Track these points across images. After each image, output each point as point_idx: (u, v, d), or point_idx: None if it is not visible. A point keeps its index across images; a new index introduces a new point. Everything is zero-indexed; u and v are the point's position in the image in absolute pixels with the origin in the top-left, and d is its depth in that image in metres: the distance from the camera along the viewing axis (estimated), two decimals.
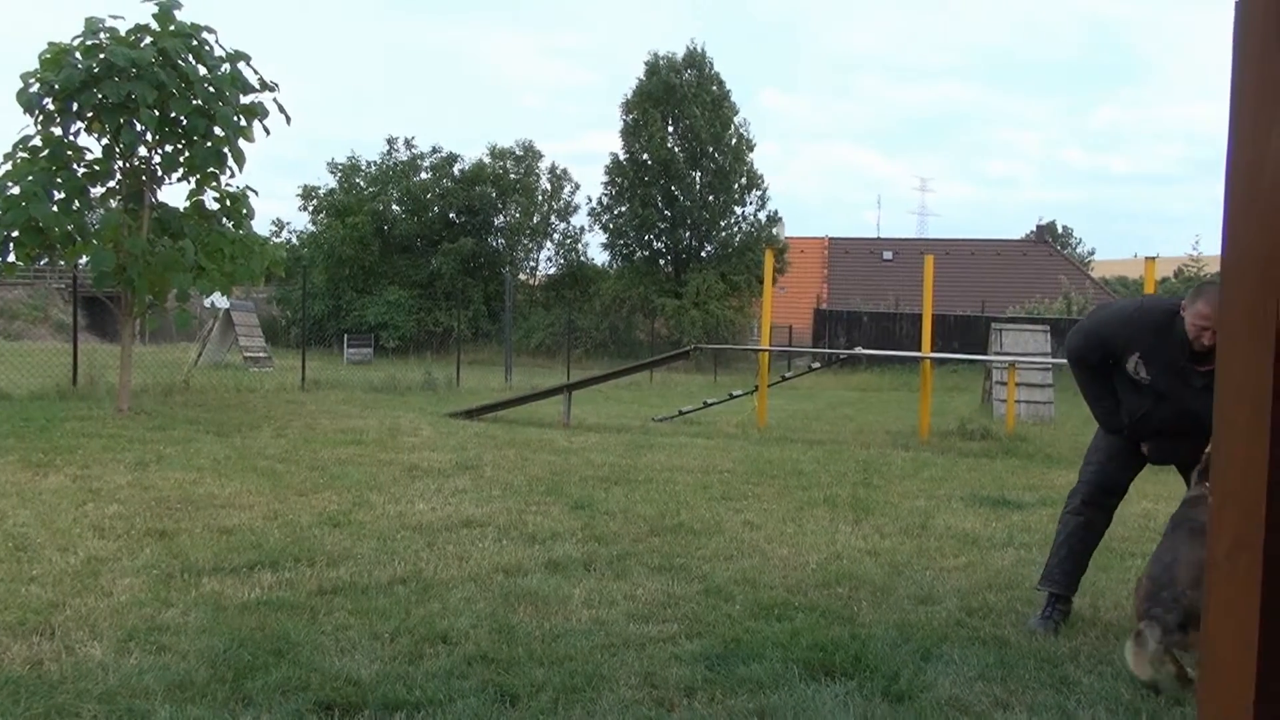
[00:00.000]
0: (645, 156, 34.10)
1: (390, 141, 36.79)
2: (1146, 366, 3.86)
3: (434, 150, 36.70)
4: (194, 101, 10.43)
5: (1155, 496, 6.80)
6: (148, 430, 9.22)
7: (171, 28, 10.43)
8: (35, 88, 10.07)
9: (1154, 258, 11.51)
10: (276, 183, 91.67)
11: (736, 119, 34.64)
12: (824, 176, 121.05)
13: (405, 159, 36.58)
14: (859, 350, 19.20)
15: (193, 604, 3.88)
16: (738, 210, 34.83)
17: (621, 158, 34.80)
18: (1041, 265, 42.38)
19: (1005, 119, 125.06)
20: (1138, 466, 4.14)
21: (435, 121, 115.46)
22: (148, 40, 10.33)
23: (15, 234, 10.05)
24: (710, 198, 34.18)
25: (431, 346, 31.30)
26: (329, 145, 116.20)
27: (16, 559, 4.47)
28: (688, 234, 34.75)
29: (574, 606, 4.02)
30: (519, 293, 34.86)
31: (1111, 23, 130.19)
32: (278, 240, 32.93)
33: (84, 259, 11.15)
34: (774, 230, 35.28)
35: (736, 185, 34.40)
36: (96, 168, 10.63)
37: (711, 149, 33.97)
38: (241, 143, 10.78)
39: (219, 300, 20.90)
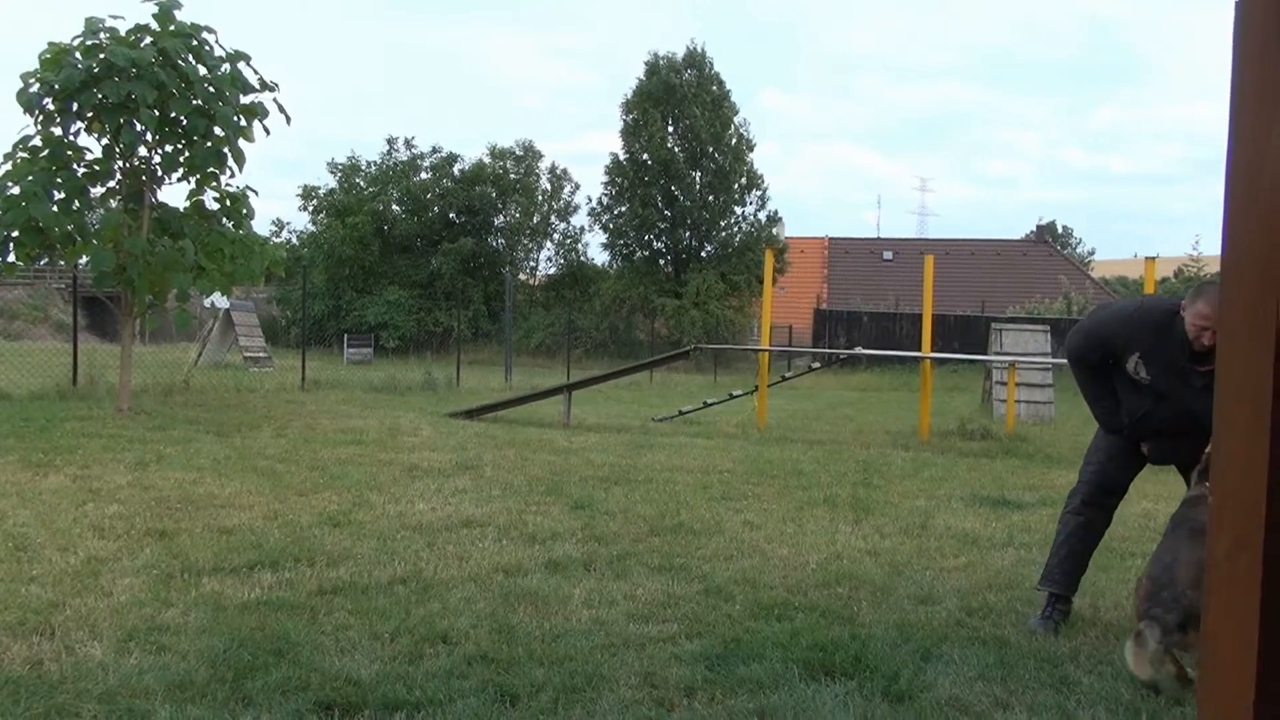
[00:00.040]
0: (645, 156, 34.11)
1: (390, 141, 36.86)
2: (1146, 366, 3.86)
3: (434, 150, 36.76)
4: (194, 101, 10.43)
5: (1155, 497, 6.80)
6: (148, 430, 9.22)
7: (171, 28, 10.43)
8: (35, 88, 10.08)
9: (1154, 258, 11.51)
10: (276, 183, 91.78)
11: (736, 119, 34.67)
12: (824, 176, 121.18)
13: (405, 159, 36.62)
14: (859, 350, 19.20)
15: (193, 604, 3.88)
16: (738, 210, 34.85)
17: (621, 158, 34.81)
18: (1041, 265, 42.38)
19: (1005, 119, 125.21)
20: (1138, 466, 4.14)
21: (435, 121, 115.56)
22: (148, 40, 10.34)
23: (15, 234, 10.05)
24: (710, 198, 34.19)
25: (431, 346, 31.31)
26: (329, 145, 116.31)
27: (16, 559, 4.47)
28: (688, 234, 34.75)
29: (574, 606, 4.02)
30: (519, 293, 34.86)
31: (1111, 22, 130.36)
32: (278, 240, 32.93)
33: (84, 259, 11.15)
34: (774, 230, 35.28)
35: (736, 185, 34.40)
36: (96, 168, 10.63)
37: (711, 149, 33.97)
38: (241, 143, 10.78)
39: (219, 300, 20.90)
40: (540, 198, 37.67)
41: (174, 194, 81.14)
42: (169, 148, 10.67)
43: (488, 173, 36.08)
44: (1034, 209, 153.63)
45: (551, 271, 38.77)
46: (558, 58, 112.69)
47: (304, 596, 4.03)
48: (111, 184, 10.84)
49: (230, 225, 11.22)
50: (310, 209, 36.39)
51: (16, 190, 9.93)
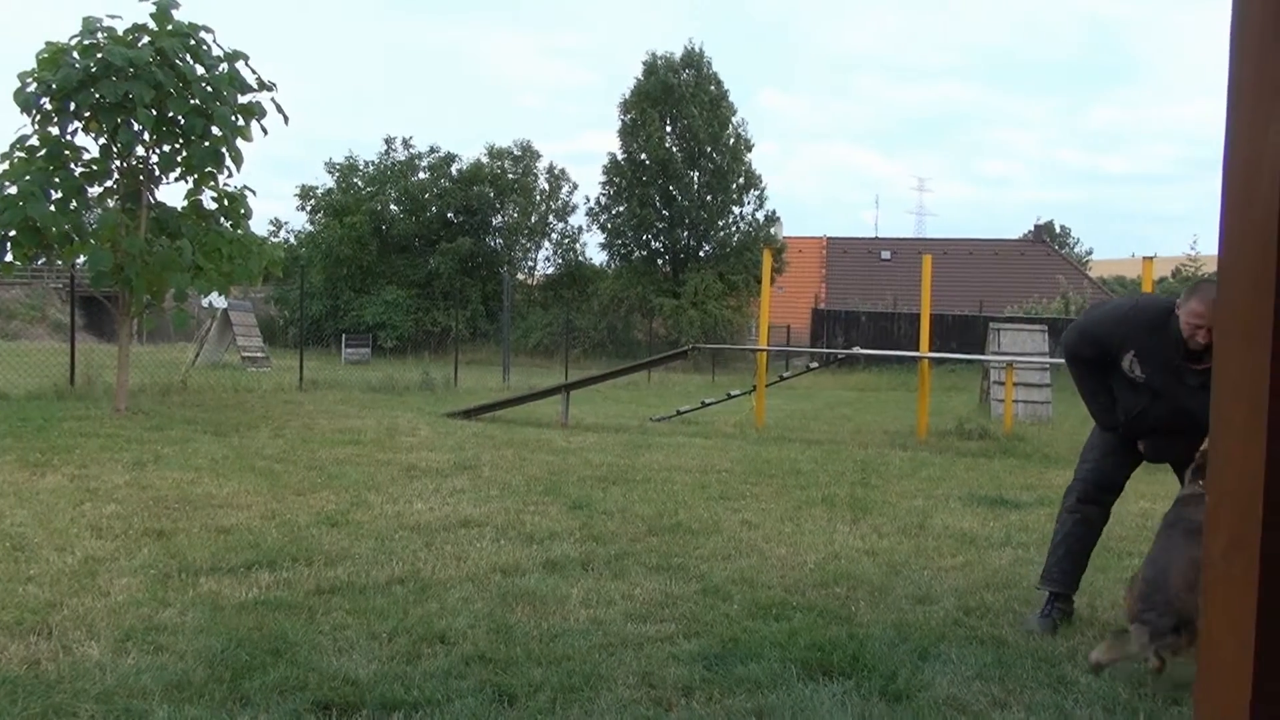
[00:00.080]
0: (643, 156, 34.11)
1: (388, 141, 36.88)
2: (1141, 365, 3.87)
3: (432, 150, 36.76)
4: (192, 101, 10.42)
5: (1153, 496, 6.80)
6: (145, 430, 9.21)
7: (169, 27, 10.41)
8: (33, 87, 10.06)
9: (1151, 257, 11.51)
10: (274, 182, 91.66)
11: (734, 119, 34.68)
12: (822, 176, 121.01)
13: (403, 159, 36.62)
14: (857, 350, 19.21)
15: (190, 604, 3.87)
16: (736, 210, 34.85)
17: (619, 158, 34.80)
18: (1039, 265, 42.39)
19: (1003, 119, 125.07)
20: (1134, 464, 4.15)
21: (434, 121, 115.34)
22: (145, 40, 10.32)
23: (12, 234, 10.04)
24: (708, 197, 34.18)
25: (429, 346, 31.30)
26: (327, 145, 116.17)
27: (14, 559, 4.47)
28: (686, 234, 34.75)
29: (572, 606, 4.02)
30: (517, 292, 34.85)
31: (1111, 23, 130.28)
32: (275, 240, 32.89)
33: (81, 259, 11.12)
34: (772, 230, 35.28)
35: (735, 185, 34.40)
36: (94, 167, 10.61)
37: (709, 149, 33.97)
38: (239, 142, 10.77)
39: (216, 300, 20.88)
40: (538, 197, 37.68)
41: (172, 194, 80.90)
42: (166, 147, 10.66)
43: (486, 172, 36.08)
44: (1032, 209, 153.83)
45: (549, 271, 38.81)
46: (557, 58, 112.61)
47: (302, 596, 4.03)
48: (109, 184, 10.83)
49: (228, 225, 11.20)
50: (308, 209, 36.41)
51: (14, 190, 9.91)
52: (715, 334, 32.22)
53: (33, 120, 10.23)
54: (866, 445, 10.42)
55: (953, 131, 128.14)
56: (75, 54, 10.06)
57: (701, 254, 34.86)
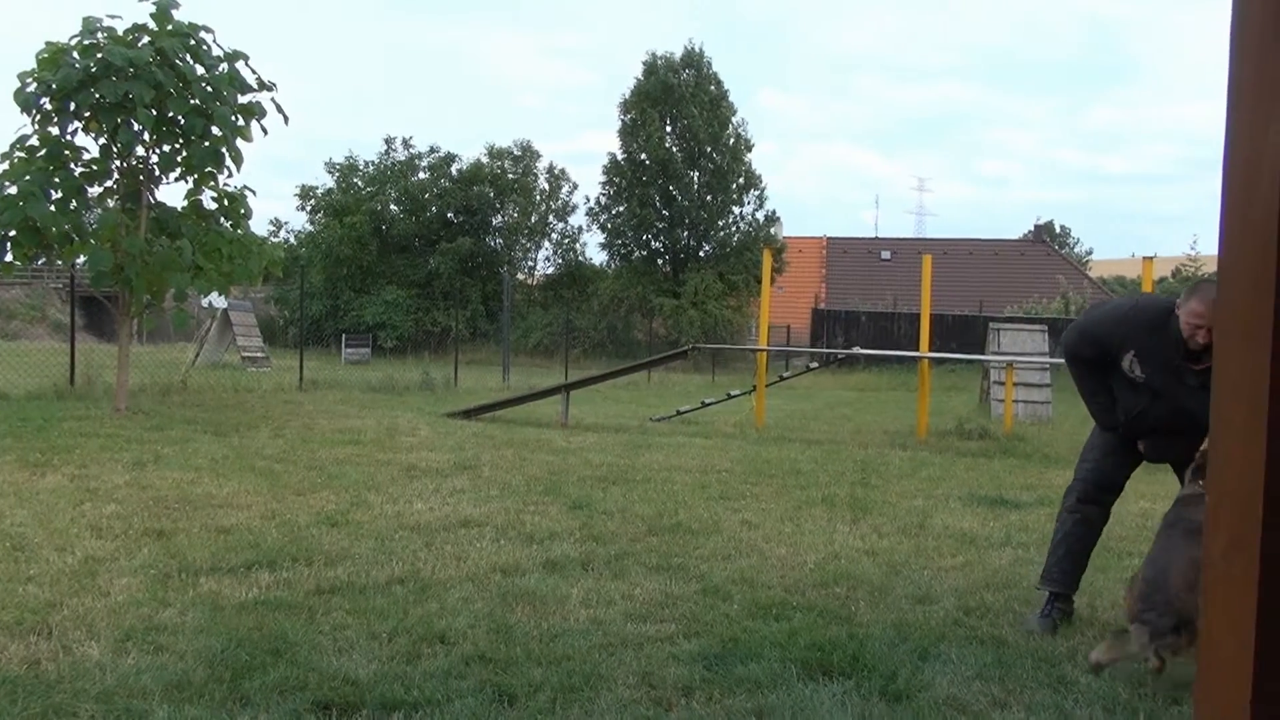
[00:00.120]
0: (643, 156, 34.11)
1: (388, 141, 36.89)
2: (1141, 365, 3.87)
3: (432, 150, 36.76)
4: (192, 101, 10.42)
5: (1153, 496, 6.80)
6: (145, 430, 9.21)
7: (169, 27, 10.41)
8: (33, 87, 10.06)
9: (1151, 257, 11.51)
10: (274, 182, 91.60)
11: (734, 119, 34.68)
12: (822, 176, 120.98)
13: (403, 159, 36.62)
14: (857, 350, 19.21)
15: (190, 604, 3.87)
16: (736, 210, 34.85)
17: (619, 157, 34.80)
18: (1039, 265, 42.40)
19: (1003, 119, 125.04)
20: (1134, 463, 4.15)
21: (434, 121, 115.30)
22: (145, 40, 10.32)
23: (13, 234, 10.04)
24: (708, 197, 34.19)
25: (429, 346, 31.30)
26: (327, 145, 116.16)
27: (14, 559, 4.47)
28: (686, 234, 34.75)
29: (572, 606, 4.02)
30: (517, 292, 34.85)
31: (1110, 23, 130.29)
32: (275, 240, 32.90)
33: (81, 259, 11.13)
34: (772, 230, 35.29)
35: (734, 185, 34.40)
36: (94, 167, 10.61)
37: (709, 149, 33.97)
38: (239, 142, 10.77)
39: (216, 300, 20.88)
40: (538, 197, 37.68)
41: (172, 194, 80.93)
42: (166, 147, 10.66)
43: (486, 172, 36.08)
44: (1032, 209, 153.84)
45: (549, 271, 38.81)
46: (557, 58, 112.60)
47: (302, 596, 4.03)
48: (109, 184, 10.83)
49: (228, 225, 11.20)
50: (308, 209, 36.41)
51: (14, 190, 9.91)
52: (715, 334, 32.23)
53: (33, 120, 10.23)
54: (866, 445, 10.42)
55: (952, 131, 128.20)
56: (75, 54, 10.06)
57: (701, 254, 34.86)
